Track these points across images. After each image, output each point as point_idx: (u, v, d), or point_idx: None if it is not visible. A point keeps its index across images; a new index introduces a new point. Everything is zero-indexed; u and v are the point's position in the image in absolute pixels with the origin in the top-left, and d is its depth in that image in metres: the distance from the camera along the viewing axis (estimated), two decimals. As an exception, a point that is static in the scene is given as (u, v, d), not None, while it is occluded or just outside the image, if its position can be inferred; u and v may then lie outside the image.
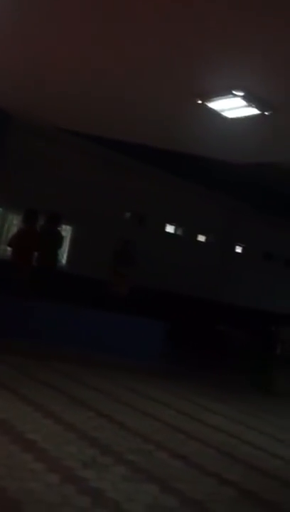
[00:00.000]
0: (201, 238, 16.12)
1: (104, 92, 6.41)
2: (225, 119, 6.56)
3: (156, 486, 3.73)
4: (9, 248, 9.79)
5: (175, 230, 15.30)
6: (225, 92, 5.92)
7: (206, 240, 16.27)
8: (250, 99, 5.97)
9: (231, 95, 5.94)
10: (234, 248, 17.38)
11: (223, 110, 6.38)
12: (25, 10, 4.79)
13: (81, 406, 5.39)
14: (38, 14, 4.82)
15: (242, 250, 17.77)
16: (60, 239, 10.25)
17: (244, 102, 6.06)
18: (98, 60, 5.53)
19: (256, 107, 6.13)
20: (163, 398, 6.48)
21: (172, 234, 15.17)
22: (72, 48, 5.43)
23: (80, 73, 5.99)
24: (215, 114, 6.42)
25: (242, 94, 5.85)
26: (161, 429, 5.19)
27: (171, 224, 15.03)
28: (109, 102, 6.68)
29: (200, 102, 6.16)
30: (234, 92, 5.86)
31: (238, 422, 6.17)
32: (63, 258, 12.47)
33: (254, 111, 6.26)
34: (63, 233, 12.19)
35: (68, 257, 12.60)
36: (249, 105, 6.10)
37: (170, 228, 15.11)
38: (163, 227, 14.78)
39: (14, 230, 10.93)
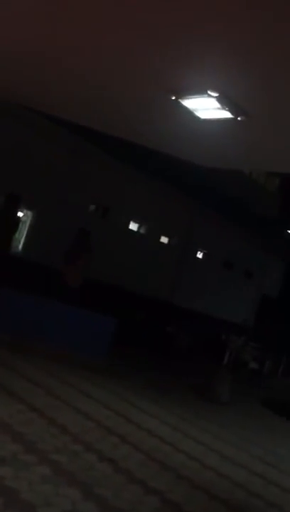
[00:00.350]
0: (162, 239, 16.02)
1: (72, 77, 6.12)
2: (198, 119, 6.38)
3: (77, 490, 3.53)
4: None
5: (137, 227, 15.13)
6: (201, 90, 5.72)
7: (167, 241, 16.19)
8: (224, 101, 5.80)
9: (206, 95, 5.75)
10: (194, 253, 17.37)
11: (196, 110, 6.19)
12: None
13: (12, 398, 5.12)
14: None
15: (203, 256, 17.78)
16: (16, 222, 9.91)
17: (218, 104, 5.88)
18: (67, 44, 5.26)
19: (230, 111, 5.97)
20: (100, 396, 6.28)
21: (132, 231, 15.00)
22: (41, 31, 5.15)
23: (48, 55, 5.70)
24: (188, 113, 6.23)
25: (216, 95, 5.67)
26: (93, 429, 4.99)
27: (133, 220, 14.86)
28: (77, 87, 6.39)
29: (173, 98, 5.94)
30: (209, 92, 5.67)
31: (175, 428, 6.03)
32: (19, 243, 12.10)
33: (227, 114, 6.10)
34: (23, 218, 11.83)
35: (25, 242, 12.22)
36: (223, 108, 5.93)
37: (132, 225, 14.93)
38: (125, 223, 14.57)
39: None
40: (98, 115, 7.36)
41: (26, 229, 12.15)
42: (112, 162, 12.41)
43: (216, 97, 5.72)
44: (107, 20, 4.64)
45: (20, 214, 11.34)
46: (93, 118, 7.70)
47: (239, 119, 6.11)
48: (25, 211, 11.91)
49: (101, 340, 8.29)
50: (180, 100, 6.00)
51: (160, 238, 15.92)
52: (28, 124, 10.21)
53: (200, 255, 17.71)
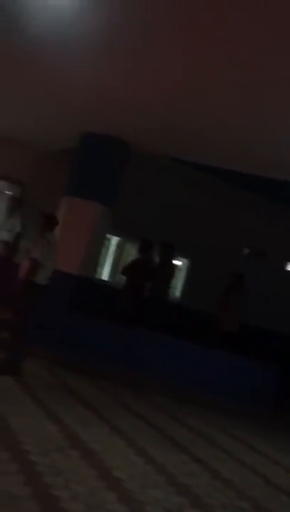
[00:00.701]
0: None
1: (229, 124, 6.18)
2: None
3: None
4: (123, 277, 9.88)
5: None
6: None
7: None
8: None
9: None
10: None
11: None
12: (144, 45, 4.78)
13: (176, 447, 5.07)
14: (159, 49, 4.79)
15: None
16: (173, 270, 10.12)
17: None
18: (219, 94, 5.37)
19: None
20: (266, 450, 5.91)
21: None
22: (192, 83, 5.33)
23: (200, 107, 5.86)
24: None
25: None
26: (261, 485, 4.68)
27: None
28: (234, 132, 6.43)
29: None
30: None
31: None
32: (176, 290, 12.35)
33: None
34: (179, 265, 12.10)
35: (181, 289, 12.44)
36: None
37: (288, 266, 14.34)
38: (281, 264, 14.05)
39: (130, 259, 11.07)
40: (253, 159, 7.33)
41: (182, 276, 12.40)
42: (265, 204, 12.20)
43: None
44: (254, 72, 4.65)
45: (176, 262, 11.64)
46: (248, 162, 7.69)
47: None
48: (180, 259, 12.20)
49: (261, 389, 7.90)
50: None
51: None
52: (175, 175, 10.56)
53: None
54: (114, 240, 11.90)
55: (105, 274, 11.74)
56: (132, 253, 11.42)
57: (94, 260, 8.57)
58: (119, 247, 12.11)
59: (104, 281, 11.25)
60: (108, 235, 10.48)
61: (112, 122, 7.26)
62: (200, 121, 6.31)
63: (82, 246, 7.39)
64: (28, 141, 9.49)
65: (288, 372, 8.45)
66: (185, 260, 12.56)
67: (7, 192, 10.24)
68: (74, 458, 4.03)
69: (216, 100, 5.54)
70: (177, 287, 12.36)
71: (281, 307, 12.40)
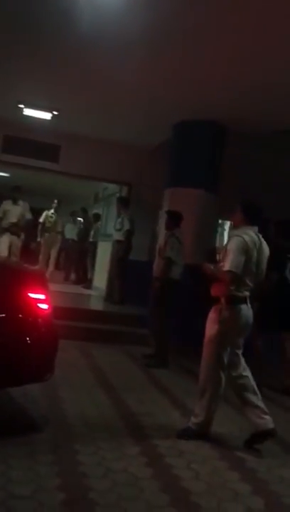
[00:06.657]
0: None
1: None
2: None
3: None
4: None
5: None
6: None
7: None
8: None
9: None
10: None
11: None
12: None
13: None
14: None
15: None
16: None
17: None
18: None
19: None
20: None
21: None
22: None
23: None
24: None
25: None
26: None
27: None
28: None
29: None
30: None
31: None
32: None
33: None
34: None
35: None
36: None
37: None
38: None
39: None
40: None
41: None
42: None
43: None
44: None
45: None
46: None
47: None
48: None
49: None
50: None
51: None
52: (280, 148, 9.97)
53: None
54: (228, 226, 11.69)
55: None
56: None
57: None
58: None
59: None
60: (220, 221, 10.27)
61: (204, 107, 7.17)
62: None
63: (190, 235, 7.33)
64: (127, 142, 9.69)
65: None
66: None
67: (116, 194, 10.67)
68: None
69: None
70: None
71: None
